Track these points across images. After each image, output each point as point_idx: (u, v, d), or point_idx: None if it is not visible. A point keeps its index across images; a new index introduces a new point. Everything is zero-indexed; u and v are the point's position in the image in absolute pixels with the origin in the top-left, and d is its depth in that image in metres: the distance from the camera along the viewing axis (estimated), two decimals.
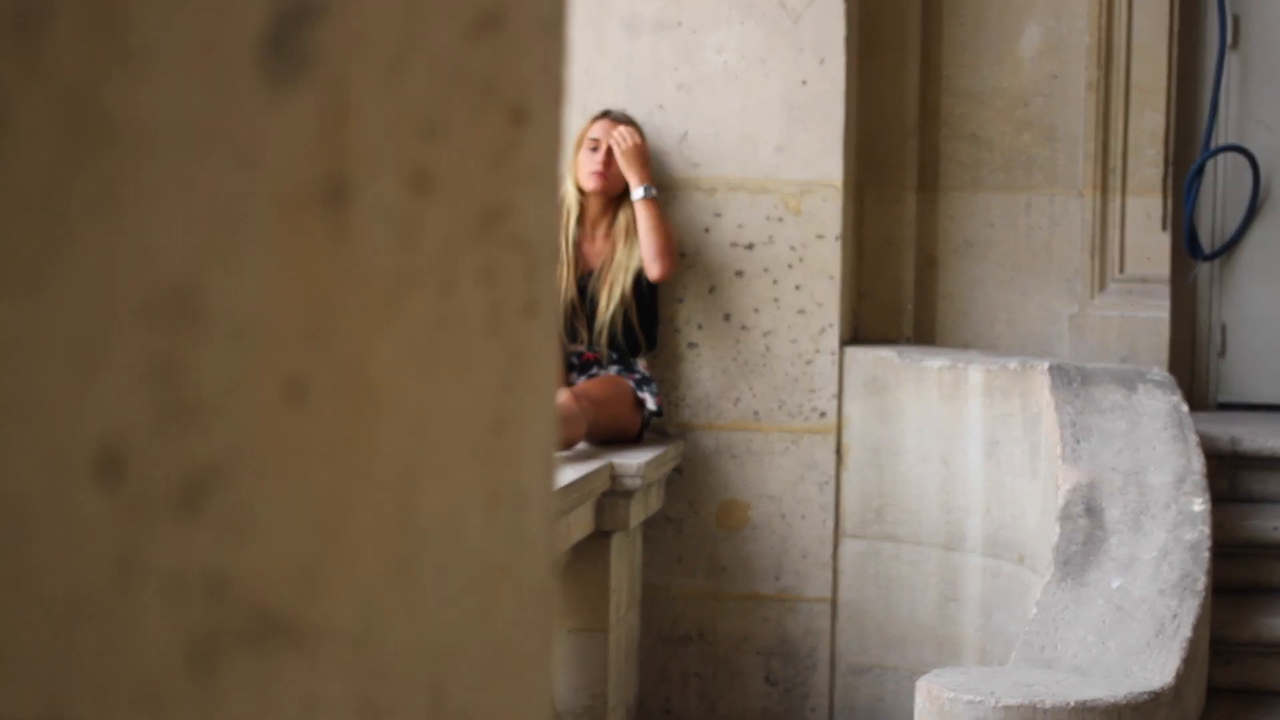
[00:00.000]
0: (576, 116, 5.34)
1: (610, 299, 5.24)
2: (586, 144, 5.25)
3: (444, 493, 0.78)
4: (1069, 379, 4.92)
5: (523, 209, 0.88)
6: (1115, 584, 4.28)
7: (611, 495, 4.83)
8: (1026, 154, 5.73)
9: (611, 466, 4.81)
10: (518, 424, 0.85)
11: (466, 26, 0.78)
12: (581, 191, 5.28)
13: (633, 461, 4.87)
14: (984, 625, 5.22)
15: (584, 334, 5.29)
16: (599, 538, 4.84)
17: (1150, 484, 4.60)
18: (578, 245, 5.29)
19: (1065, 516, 4.51)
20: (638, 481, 4.84)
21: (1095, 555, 4.37)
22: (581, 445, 4.99)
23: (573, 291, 5.25)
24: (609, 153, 5.23)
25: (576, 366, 5.28)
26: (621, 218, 5.27)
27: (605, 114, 5.28)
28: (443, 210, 0.76)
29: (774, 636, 5.48)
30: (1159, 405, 4.89)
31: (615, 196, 5.28)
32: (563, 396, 4.91)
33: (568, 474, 4.52)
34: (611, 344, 5.28)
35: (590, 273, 5.29)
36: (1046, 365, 4.97)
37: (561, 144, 0.98)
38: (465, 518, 0.79)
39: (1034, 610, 4.25)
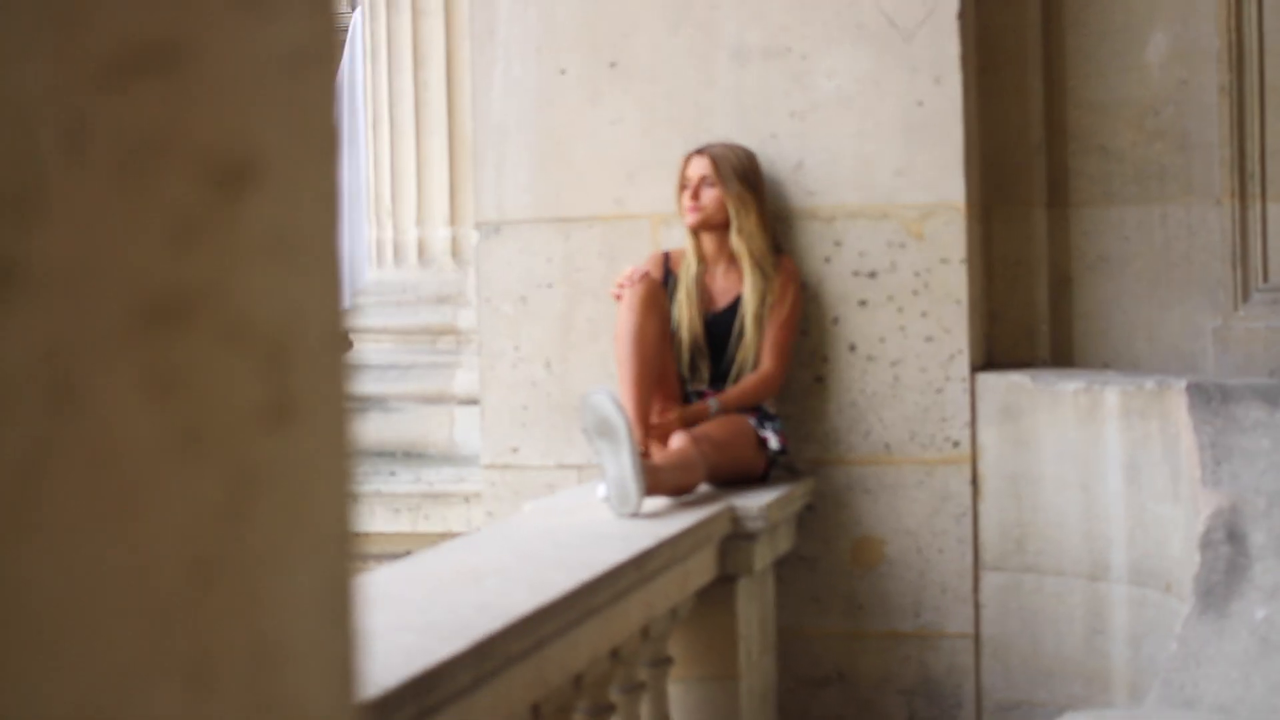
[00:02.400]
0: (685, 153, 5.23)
1: (747, 334, 5.12)
2: (682, 186, 5.16)
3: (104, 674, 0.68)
4: (1208, 397, 4.70)
5: (244, 290, 0.78)
6: (1260, 615, 4.06)
7: (734, 538, 4.69)
8: (1159, 164, 5.51)
9: (732, 509, 4.68)
10: (246, 565, 0.76)
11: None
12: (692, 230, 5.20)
13: (754, 503, 4.73)
14: (1133, 657, 5.00)
15: (706, 372, 5.17)
16: (724, 582, 4.71)
17: None
18: (700, 282, 5.18)
19: (1206, 544, 4.29)
20: (760, 523, 4.69)
21: (1238, 584, 4.15)
22: (703, 488, 4.86)
23: (698, 330, 5.13)
24: (698, 186, 5.12)
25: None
26: (740, 250, 5.15)
27: (698, 151, 5.17)
28: (40, 309, 0.68)
29: (916, 675, 5.30)
30: None
31: (724, 224, 5.16)
32: (680, 441, 4.79)
33: (684, 519, 4.39)
34: (740, 379, 5.15)
35: (717, 311, 5.17)
36: (1184, 384, 4.75)
37: (333, 201, 0.88)
38: (140, 698, 0.69)
39: (1174, 645, 4.04)
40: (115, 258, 0.74)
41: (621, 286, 5.00)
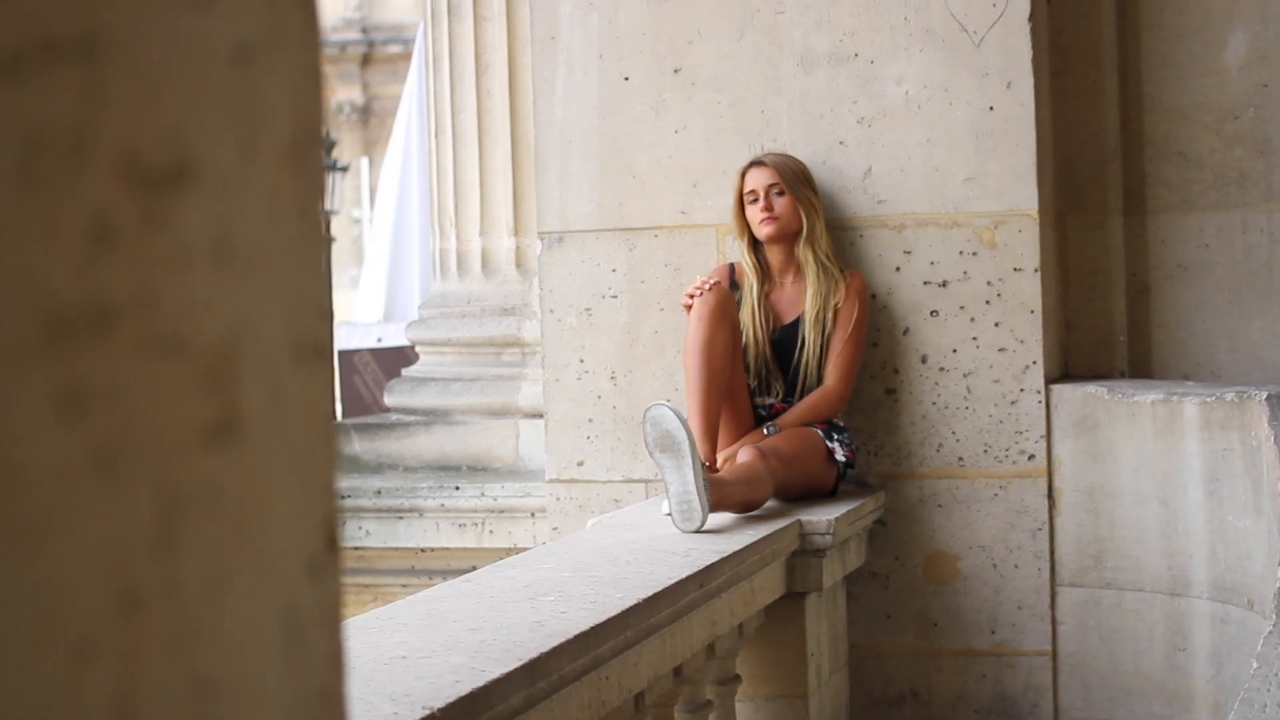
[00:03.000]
0: (750, 158, 5.13)
1: (809, 344, 5.02)
2: (746, 199, 5.06)
3: None
4: None
5: (177, 300, 0.72)
6: None
7: (802, 554, 4.58)
8: (1239, 169, 5.37)
9: (800, 524, 4.57)
10: (182, 594, 0.69)
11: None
12: (755, 243, 5.10)
13: (823, 517, 4.62)
14: (1215, 676, 4.86)
15: (778, 387, 5.07)
16: (792, 599, 4.60)
17: None
18: (768, 299, 5.08)
19: None
20: (829, 538, 4.58)
21: None
22: (771, 503, 4.76)
23: (766, 345, 5.04)
24: (768, 195, 5.02)
25: (766, 418, 5.05)
26: (806, 258, 5.05)
27: (756, 162, 5.07)
28: None
29: (992, 693, 5.17)
30: None
31: (796, 233, 5.06)
32: (748, 455, 4.69)
33: (749, 534, 4.29)
34: (807, 393, 5.05)
35: (784, 325, 5.07)
36: (1264, 395, 4.61)
37: (290, 204, 0.82)
38: None
39: (1254, 665, 3.90)
40: (19, 265, 0.67)
41: (691, 296, 4.90)
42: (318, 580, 0.86)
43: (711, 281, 4.91)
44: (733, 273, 5.12)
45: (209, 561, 0.72)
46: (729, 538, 4.23)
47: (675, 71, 5.33)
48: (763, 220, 5.03)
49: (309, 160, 0.86)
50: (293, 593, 0.83)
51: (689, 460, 4.25)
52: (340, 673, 0.96)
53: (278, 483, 0.79)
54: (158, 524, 0.69)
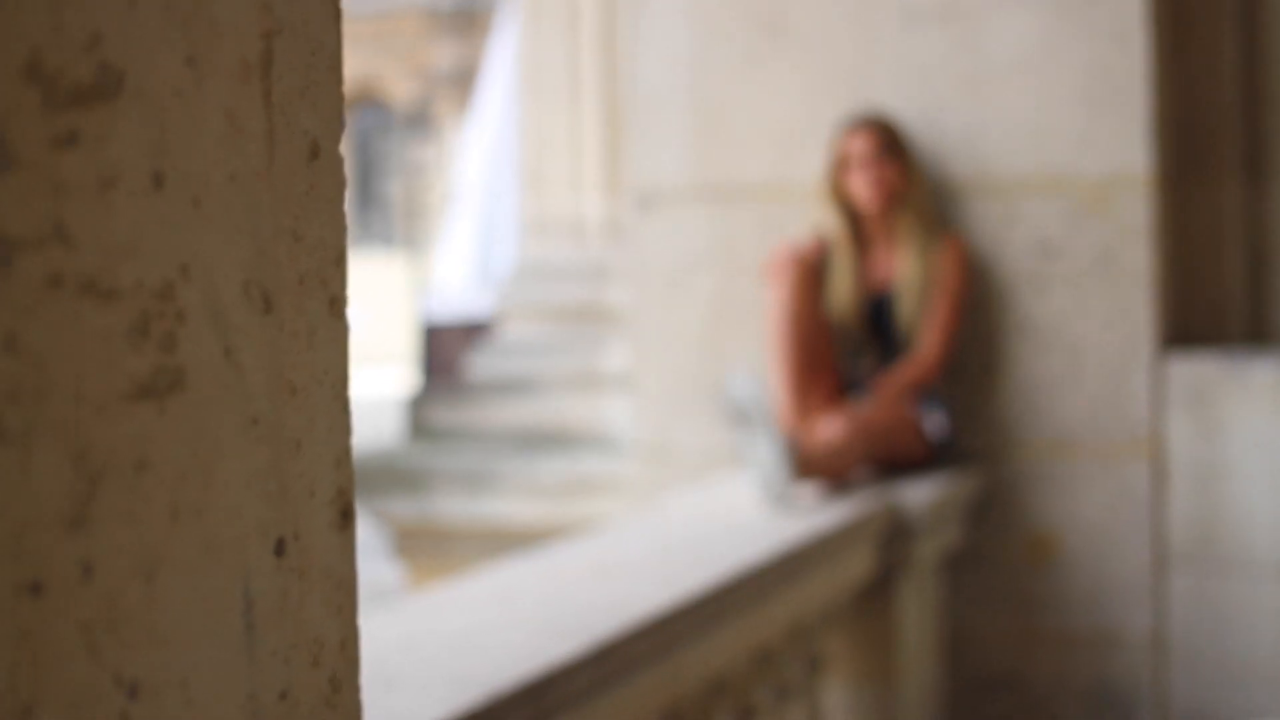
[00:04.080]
0: (846, 123, 4.92)
1: (906, 312, 4.81)
2: (847, 164, 4.83)
3: None
4: None
5: (98, 235, 0.64)
6: None
7: (894, 533, 4.38)
8: None
9: (892, 502, 4.37)
10: (106, 574, 0.62)
11: None
12: (849, 207, 4.88)
13: (916, 495, 4.41)
14: None
15: (873, 356, 4.86)
16: (884, 580, 4.40)
17: None
18: (861, 264, 4.87)
19: None
20: (923, 517, 4.38)
21: None
22: (861, 477, 4.56)
23: (861, 313, 4.83)
24: (872, 163, 4.79)
25: (859, 387, 4.85)
26: (904, 225, 4.84)
27: (859, 125, 4.84)
28: None
29: (1094, 679, 4.95)
30: None
31: (895, 202, 4.85)
32: (835, 427, 4.48)
33: (838, 511, 4.10)
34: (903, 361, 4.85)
35: (881, 291, 4.86)
36: None
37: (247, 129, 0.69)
38: None
39: None
40: None
41: (774, 266, 4.70)
42: (297, 566, 0.73)
43: (794, 251, 4.70)
44: (821, 243, 4.91)
45: (136, 540, 0.62)
46: (817, 515, 4.04)
47: (770, 29, 5.12)
48: (870, 192, 4.81)
49: (284, 82, 0.75)
50: (255, 578, 0.71)
51: (770, 432, 4.06)
52: (351, 669, 0.82)
53: (223, 446, 0.69)
54: (71, 494, 0.59)
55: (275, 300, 0.77)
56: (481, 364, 6.68)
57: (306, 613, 0.81)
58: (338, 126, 0.83)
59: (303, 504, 0.80)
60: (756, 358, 5.09)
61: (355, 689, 0.86)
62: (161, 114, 0.66)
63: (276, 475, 0.76)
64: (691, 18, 5.19)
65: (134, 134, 0.65)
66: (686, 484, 5.04)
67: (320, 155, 0.80)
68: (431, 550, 5.99)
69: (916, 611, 4.61)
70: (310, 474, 0.80)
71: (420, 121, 18.50)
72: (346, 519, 0.86)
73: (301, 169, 0.80)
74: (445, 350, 8.84)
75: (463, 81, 30.54)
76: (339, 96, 0.81)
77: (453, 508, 6.05)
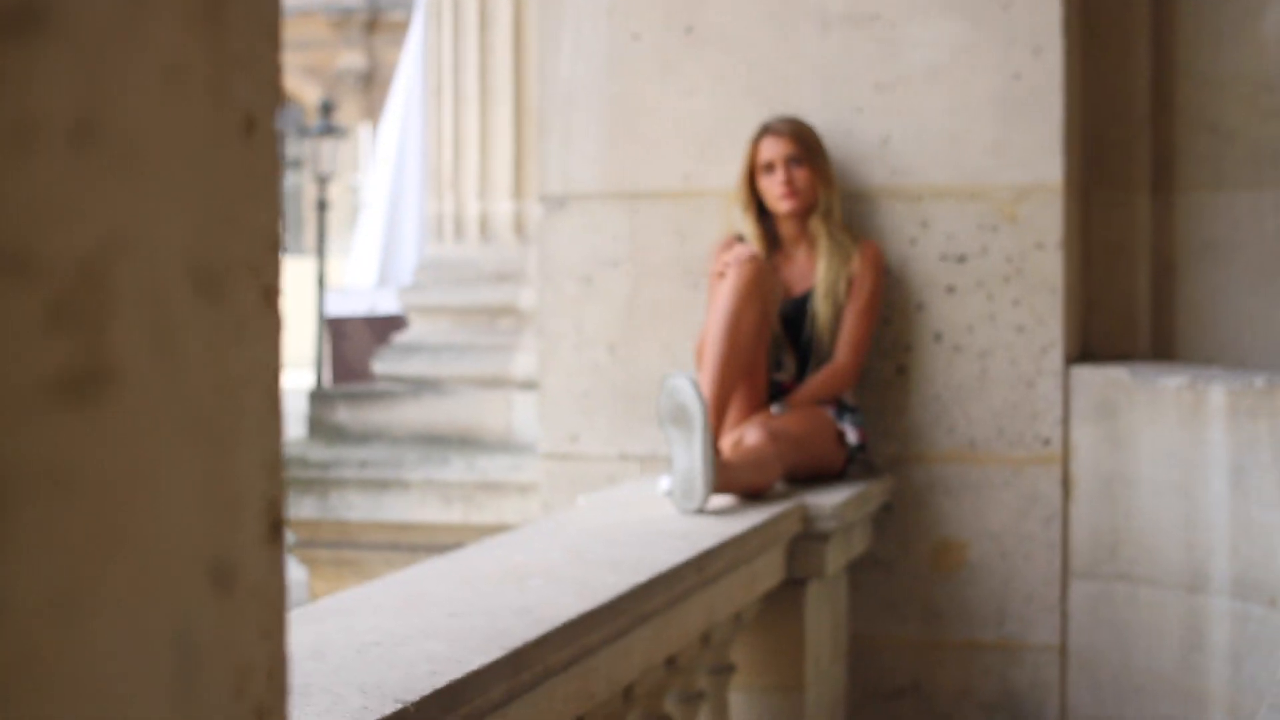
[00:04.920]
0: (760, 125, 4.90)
1: (820, 319, 4.78)
2: (761, 168, 4.80)
3: None
4: None
5: (12, 203, 0.55)
6: None
7: (805, 539, 4.35)
8: (1274, 146, 5.13)
9: (804, 507, 4.34)
10: (18, 611, 0.52)
11: None
12: (762, 213, 4.85)
13: (828, 501, 4.39)
14: (1233, 677, 4.63)
15: (789, 363, 4.83)
16: (793, 586, 4.37)
17: None
18: (776, 272, 4.83)
19: None
20: (834, 523, 4.35)
21: None
22: (777, 485, 4.53)
23: (775, 320, 4.79)
24: (787, 167, 4.77)
25: (775, 395, 4.81)
26: (818, 230, 4.81)
27: (773, 131, 4.81)
28: None
29: (997, 689, 4.95)
30: None
31: (813, 206, 4.82)
32: (757, 437, 4.44)
33: (750, 517, 4.06)
34: (818, 369, 4.82)
35: (794, 298, 4.83)
36: None
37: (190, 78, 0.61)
38: None
39: None
40: None
41: (726, 264, 4.61)
42: (234, 594, 0.64)
43: (748, 251, 4.62)
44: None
45: (54, 569, 0.52)
46: (729, 520, 4.00)
47: (687, 30, 5.09)
48: (782, 195, 4.77)
49: (226, 43, 0.68)
50: (189, 610, 0.63)
51: (700, 437, 4.01)
52: (279, 699, 0.74)
53: (173, 458, 0.60)
54: None
55: (217, 286, 0.69)
56: (387, 364, 6.60)
57: (236, 641, 0.72)
58: (274, 101, 0.76)
59: (236, 519, 0.72)
60: (666, 361, 5.05)
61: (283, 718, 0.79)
62: (93, 57, 0.57)
63: (214, 488, 0.68)
64: (607, 19, 5.15)
65: (59, 77, 0.55)
66: (596, 487, 5.00)
67: (256, 130, 0.73)
68: (333, 553, 5.91)
69: (824, 619, 4.59)
70: (243, 484, 0.72)
71: (327, 123, 18.35)
72: (276, 532, 0.79)
73: (237, 143, 0.72)
74: (351, 351, 8.74)
75: (369, 83, 30.35)
76: (277, 68, 0.75)
77: (356, 510, 5.97)
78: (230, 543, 0.70)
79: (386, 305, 8.78)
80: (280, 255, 0.77)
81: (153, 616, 0.62)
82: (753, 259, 4.58)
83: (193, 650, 0.65)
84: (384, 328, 8.34)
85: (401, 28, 27.92)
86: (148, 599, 0.62)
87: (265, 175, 0.76)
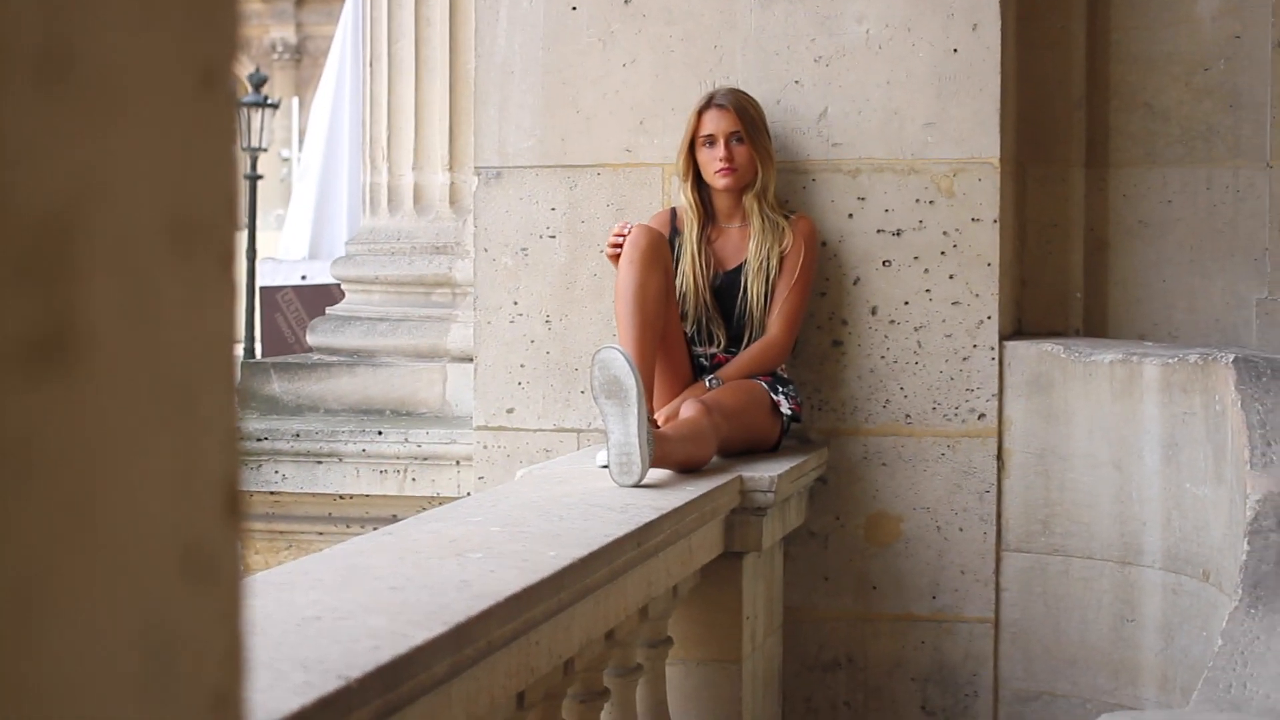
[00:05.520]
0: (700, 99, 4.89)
1: (752, 294, 4.77)
2: (701, 141, 4.79)
3: None
4: (1257, 372, 4.36)
5: None
6: None
7: (742, 512, 4.35)
8: (1207, 123, 5.16)
9: (741, 480, 4.34)
10: None
11: None
12: (699, 184, 4.84)
13: (765, 474, 4.39)
14: (1165, 649, 4.67)
15: (721, 336, 4.82)
16: (729, 559, 4.38)
17: None
18: (710, 244, 4.83)
19: (1254, 531, 3.95)
20: (770, 496, 4.36)
21: None
22: (713, 458, 4.52)
23: (707, 292, 4.78)
24: (728, 142, 4.76)
25: (707, 369, 4.81)
26: (752, 207, 4.81)
27: (711, 101, 4.80)
28: None
29: (931, 661, 4.97)
30: None
31: (752, 182, 4.81)
32: (692, 410, 4.44)
33: (688, 490, 4.06)
34: (751, 344, 4.81)
35: (728, 271, 4.82)
36: (1231, 357, 4.40)
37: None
38: None
39: (1219, 642, 3.70)
40: None
41: (616, 242, 4.61)
42: (201, 580, 0.61)
43: (637, 225, 4.63)
44: (674, 218, 4.87)
45: (12, 557, 0.48)
46: (667, 493, 4.00)
47: (625, 2, 5.07)
48: (720, 170, 4.76)
49: None
50: (157, 600, 0.59)
51: (635, 410, 4.00)
52: (235, 683, 0.70)
53: (144, 433, 0.56)
54: None
55: (189, 244, 0.64)
56: (321, 336, 6.56)
57: (201, 627, 0.68)
58: (232, 54, 0.72)
59: (202, 497, 0.68)
60: (604, 333, 5.04)
61: (239, 704, 0.74)
62: None
63: (182, 464, 0.64)
64: None
65: (23, 20, 0.50)
66: (532, 459, 4.99)
67: (214, 84, 0.69)
68: (266, 525, 5.87)
69: (760, 592, 4.60)
70: (204, 459, 0.69)
71: (260, 96, 18.18)
72: (234, 509, 0.75)
73: (203, 93, 0.67)
74: (283, 321, 8.68)
75: (298, 57, 30.13)
76: (236, 19, 0.71)
77: (290, 482, 5.94)
78: (198, 523, 0.67)
79: (319, 276, 8.73)
80: (235, 217, 0.74)
81: (121, 608, 0.57)
82: (645, 229, 4.59)
83: (162, 643, 0.61)
84: (317, 299, 8.29)
85: (329, 2, 27.72)
86: (115, 589, 0.57)
87: (224, 130, 0.72)
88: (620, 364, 4.04)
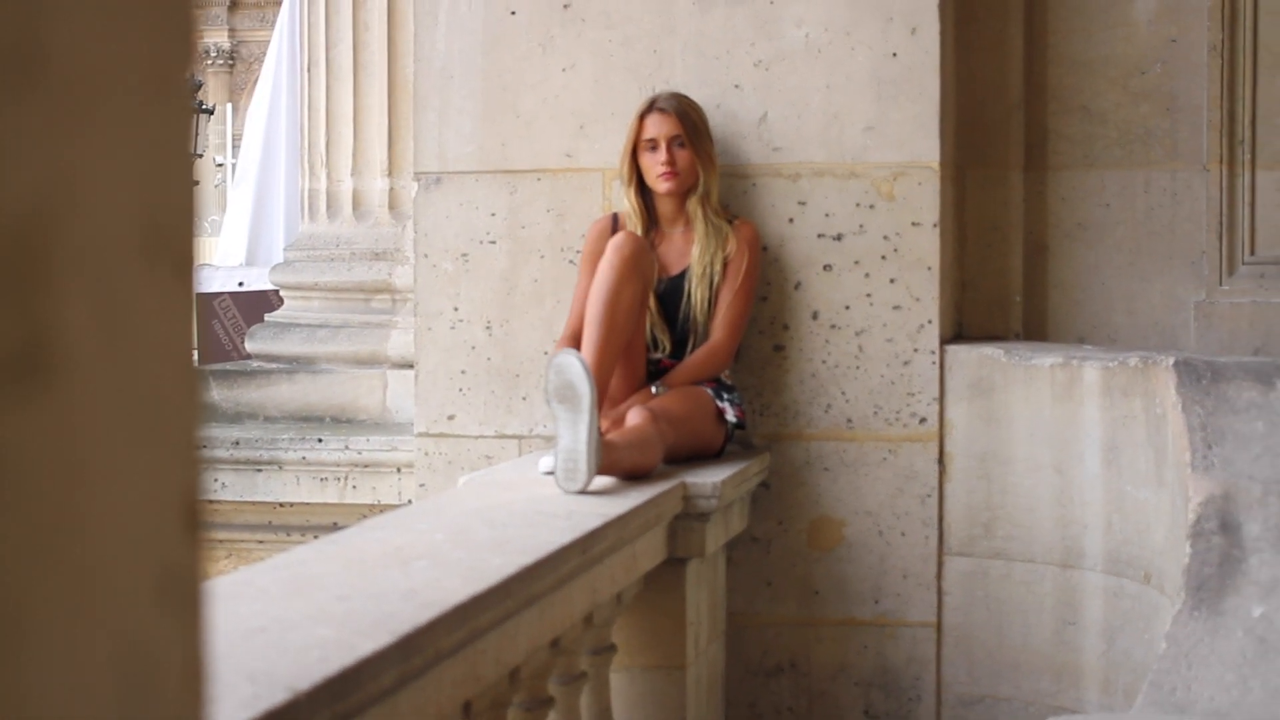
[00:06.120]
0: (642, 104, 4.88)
1: (696, 299, 4.76)
2: (643, 145, 4.78)
3: None
4: (1197, 375, 4.38)
5: None
6: (1257, 612, 3.74)
7: (685, 518, 4.34)
8: (1144, 126, 5.19)
9: (684, 486, 4.33)
10: None
11: None
12: (643, 188, 4.83)
13: (708, 480, 4.38)
14: (1107, 651, 4.69)
15: (666, 341, 4.81)
16: (673, 565, 4.36)
17: None
18: (653, 249, 4.81)
19: (1197, 534, 3.97)
20: (714, 502, 4.35)
21: (1232, 579, 3.84)
22: (659, 465, 4.50)
23: (651, 298, 4.77)
24: (670, 146, 4.75)
25: (653, 374, 4.80)
26: (695, 212, 4.80)
27: (653, 106, 4.79)
28: None
29: (874, 666, 4.97)
30: None
31: (693, 187, 4.80)
32: (639, 418, 4.42)
33: (632, 496, 4.05)
34: (695, 349, 4.80)
35: (671, 276, 4.81)
36: (1171, 360, 4.42)
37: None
38: None
39: (1163, 644, 3.72)
40: None
41: (599, 239, 4.63)
42: (170, 600, 0.59)
43: (626, 232, 4.62)
44: (615, 223, 4.85)
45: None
46: (611, 500, 3.98)
47: (565, 6, 5.05)
48: (662, 175, 4.75)
49: None
50: (134, 623, 0.58)
51: (586, 416, 3.98)
52: (195, 700, 0.69)
53: (115, 450, 0.54)
54: None
55: (156, 253, 0.63)
56: (260, 343, 6.51)
57: (170, 645, 0.67)
58: (189, 57, 0.69)
59: (168, 515, 0.66)
60: (545, 339, 5.02)
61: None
62: None
63: (152, 481, 0.62)
64: None
65: None
66: (473, 466, 4.96)
67: (174, 87, 0.67)
68: (206, 535, 5.82)
69: (703, 598, 4.59)
70: (171, 475, 0.67)
71: (195, 101, 18.09)
72: (196, 525, 0.73)
73: (156, 98, 0.65)
74: (220, 328, 8.62)
75: (232, 62, 29.99)
76: (192, 22, 0.68)
77: (229, 490, 5.89)
78: (168, 542, 0.64)
79: (256, 283, 8.67)
80: (191, 222, 0.72)
81: (97, 631, 0.56)
82: (631, 237, 4.58)
83: (136, 665, 0.59)
84: (254, 305, 8.23)
85: (263, 8, 27.58)
86: (92, 611, 0.56)
87: (184, 133, 0.70)
88: (576, 370, 4.02)
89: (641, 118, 4.78)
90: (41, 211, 0.51)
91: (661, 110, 4.76)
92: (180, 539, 0.66)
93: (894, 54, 4.87)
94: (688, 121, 4.76)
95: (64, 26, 0.51)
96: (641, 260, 4.56)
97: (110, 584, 0.57)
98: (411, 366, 5.37)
